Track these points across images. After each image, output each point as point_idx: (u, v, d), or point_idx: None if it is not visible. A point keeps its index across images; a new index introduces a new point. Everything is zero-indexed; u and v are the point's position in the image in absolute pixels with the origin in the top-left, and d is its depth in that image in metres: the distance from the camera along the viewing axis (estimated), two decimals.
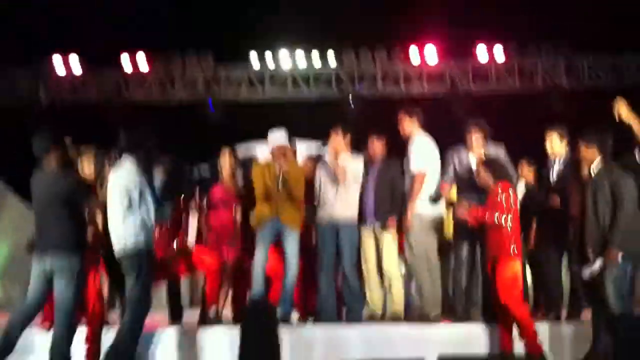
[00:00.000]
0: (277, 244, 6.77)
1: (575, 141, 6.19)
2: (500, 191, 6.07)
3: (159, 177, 6.09)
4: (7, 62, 13.09)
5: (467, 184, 6.67)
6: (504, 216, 5.98)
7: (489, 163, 6.31)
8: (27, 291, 5.66)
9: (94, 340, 6.11)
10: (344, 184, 6.84)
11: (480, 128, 6.79)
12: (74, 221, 5.56)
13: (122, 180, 5.55)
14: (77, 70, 13.46)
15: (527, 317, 6.03)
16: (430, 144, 6.91)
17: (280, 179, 6.63)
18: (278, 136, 6.82)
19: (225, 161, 7.11)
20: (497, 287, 6.01)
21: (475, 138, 6.76)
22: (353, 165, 6.95)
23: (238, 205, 7.04)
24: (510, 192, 6.12)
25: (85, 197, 5.70)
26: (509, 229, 6.01)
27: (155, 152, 6.15)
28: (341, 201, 6.87)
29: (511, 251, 5.99)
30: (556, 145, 6.82)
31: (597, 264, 5.64)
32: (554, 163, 6.85)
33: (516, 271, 6.06)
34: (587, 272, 5.73)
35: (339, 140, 6.98)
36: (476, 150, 6.74)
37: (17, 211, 11.55)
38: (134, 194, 5.50)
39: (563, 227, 6.58)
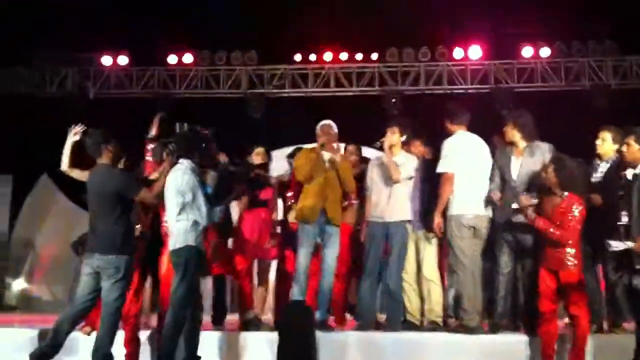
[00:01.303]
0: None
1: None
2: (569, 204, 5.76)
3: (212, 180, 6.19)
4: (55, 56, 13.37)
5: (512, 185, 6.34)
6: (569, 232, 5.72)
7: (562, 168, 5.85)
8: (73, 291, 5.78)
9: (132, 343, 6.18)
10: (398, 183, 6.68)
11: (516, 123, 6.43)
12: (125, 222, 5.72)
13: (176, 182, 5.69)
14: (124, 65, 13.69)
15: (587, 333, 5.84)
16: (467, 143, 6.53)
17: (328, 160, 6.56)
18: (326, 121, 6.75)
19: (259, 160, 7.14)
20: (566, 300, 5.77)
21: (512, 133, 6.43)
22: (408, 165, 6.79)
23: (275, 204, 7.06)
24: (579, 207, 5.75)
25: (138, 191, 5.78)
26: (573, 244, 5.75)
27: (209, 154, 6.24)
28: (393, 201, 6.70)
29: (573, 265, 5.74)
30: (607, 146, 6.58)
31: (624, 245, 5.43)
32: (599, 164, 6.61)
33: (581, 282, 5.79)
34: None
35: (394, 138, 6.82)
36: (516, 147, 6.41)
37: (65, 210, 11.64)
38: (187, 195, 5.63)
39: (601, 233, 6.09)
